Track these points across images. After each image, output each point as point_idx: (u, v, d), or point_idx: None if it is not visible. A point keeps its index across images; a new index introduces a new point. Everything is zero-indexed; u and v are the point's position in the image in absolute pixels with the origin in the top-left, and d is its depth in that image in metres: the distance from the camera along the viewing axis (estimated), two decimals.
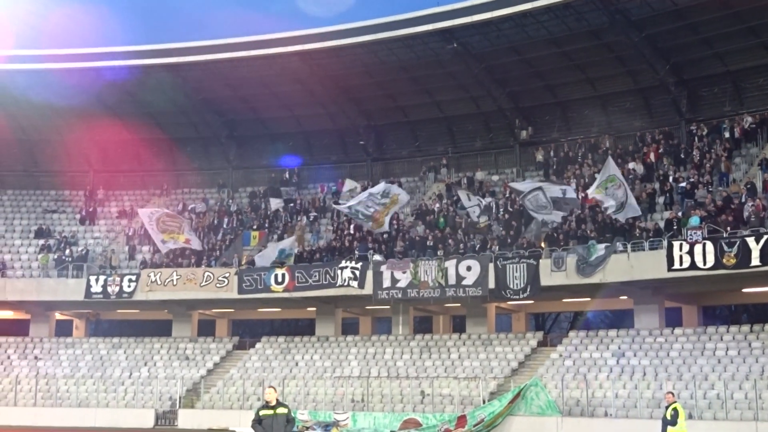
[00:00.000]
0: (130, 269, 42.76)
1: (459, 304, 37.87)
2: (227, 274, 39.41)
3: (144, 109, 48.44)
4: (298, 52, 42.97)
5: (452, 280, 35.18)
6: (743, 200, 32.76)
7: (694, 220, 31.91)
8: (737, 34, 37.17)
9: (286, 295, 38.47)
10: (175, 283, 40.00)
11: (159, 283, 40.19)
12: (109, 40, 69.74)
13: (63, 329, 45.68)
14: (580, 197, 36.92)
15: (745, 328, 32.26)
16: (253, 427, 15.81)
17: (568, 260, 33.23)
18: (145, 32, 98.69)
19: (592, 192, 33.54)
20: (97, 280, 41.02)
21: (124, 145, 50.55)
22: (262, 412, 15.78)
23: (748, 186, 33.42)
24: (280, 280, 38.23)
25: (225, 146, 49.58)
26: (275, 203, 44.90)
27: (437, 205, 41.36)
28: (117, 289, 40.65)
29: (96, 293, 40.97)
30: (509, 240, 36.56)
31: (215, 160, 50.26)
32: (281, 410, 15.78)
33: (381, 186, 38.83)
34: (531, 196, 34.78)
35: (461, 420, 31.11)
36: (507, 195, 39.92)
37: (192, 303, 41.39)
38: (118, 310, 44.79)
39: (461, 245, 37.27)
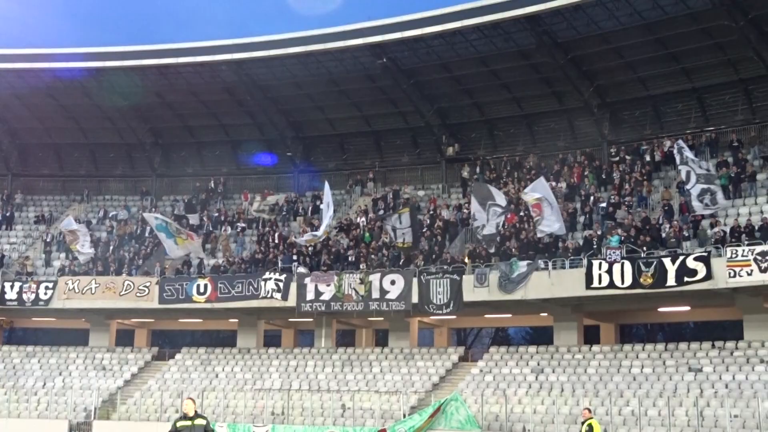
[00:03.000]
0: (47, 276, 41.76)
1: (382, 318, 37.92)
2: (148, 284, 38.81)
3: (67, 113, 47.51)
4: (228, 60, 42.74)
5: (376, 294, 35.27)
6: (661, 221, 33.61)
7: (615, 240, 32.61)
8: (658, 59, 38.19)
9: (208, 305, 38.04)
10: (93, 291, 39.23)
11: (77, 291, 39.37)
12: (57, 40, 68.42)
13: None
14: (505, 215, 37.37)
15: (660, 346, 33.03)
16: None
17: (491, 276, 33.57)
18: (137, 33, 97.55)
19: (528, 198, 33.76)
20: (12, 287, 40.02)
21: (45, 149, 49.53)
22: (179, 423, 15.77)
23: (666, 208, 34.29)
24: (202, 290, 37.81)
25: (149, 153, 48.85)
26: (192, 219, 44.31)
27: (363, 219, 41.40)
28: (33, 296, 39.69)
29: (10, 300, 39.96)
30: (433, 255, 36.78)
31: (139, 168, 49.48)
32: (199, 421, 15.76)
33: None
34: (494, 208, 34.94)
35: None
36: (431, 210, 40.17)
37: (110, 312, 40.59)
38: (34, 318, 43.62)
39: (385, 259, 37.39)
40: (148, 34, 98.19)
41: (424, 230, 38.23)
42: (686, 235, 32.37)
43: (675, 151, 33.06)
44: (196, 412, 15.98)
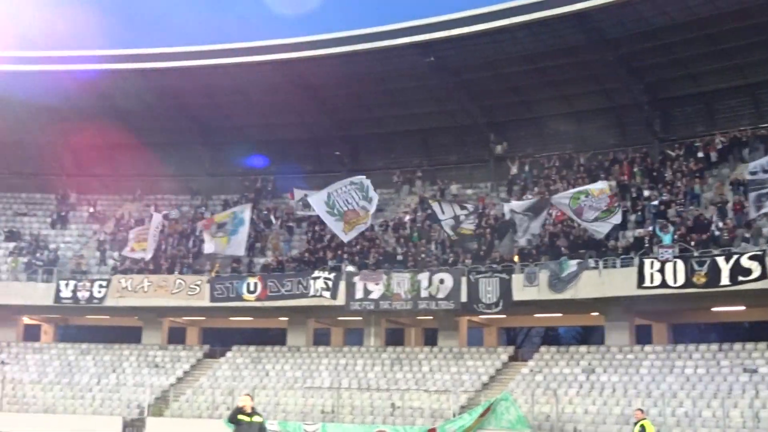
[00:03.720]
0: (101, 274, 42.44)
1: (431, 317, 37.93)
2: (199, 282, 39.29)
3: (119, 113, 48.06)
4: (276, 60, 42.94)
5: (425, 293, 35.28)
6: (713, 220, 33.16)
7: (667, 237, 32.26)
8: (710, 55, 37.69)
9: (258, 304, 38.40)
10: (146, 289, 39.82)
11: (130, 289, 39.98)
12: (84, 42, 69.53)
13: (31, 334, 45.18)
14: (553, 215, 37.16)
15: (714, 346, 32.55)
16: (230, 419, 16.43)
17: (541, 275, 33.43)
18: (113, 34, 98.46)
19: (560, 199, 33.75)
20: (67, 285, 40.71)
21: (98, 149, 50.16)
22: (239, 416, 16.33)
23: (719, 206, 33.83)
24: (252, 288, 38.18)
25: (200, 153, 49.39)
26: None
27: (411, 217, 41.42)
28: (87, 294, 40.38)
29: (65, 298, 40.67)
30: (482, 254, 36.70)
31: (189, 167, 49.95)
32: (257, 419, 16.33)
33: (363, 181, 37.88)
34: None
35: None
36: (481, 209, 40.06)
37: (163, 310, 41.14)
38: (87, 316, 44.36)
39: (435, 258, 37.42)
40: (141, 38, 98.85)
41: (477, 229, 38.02)
42: (746, 235, 31.78)
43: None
44: (252, 408, 16.36)
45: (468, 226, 36.54)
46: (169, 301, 39.73)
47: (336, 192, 37.58)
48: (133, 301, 40.13)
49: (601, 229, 33.57)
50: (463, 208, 37.51)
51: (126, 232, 44.51)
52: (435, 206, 37.88)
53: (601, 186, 34.00)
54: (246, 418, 16.20)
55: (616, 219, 33.60)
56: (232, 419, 16.51)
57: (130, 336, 43.90)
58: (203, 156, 49.44)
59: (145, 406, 36.67)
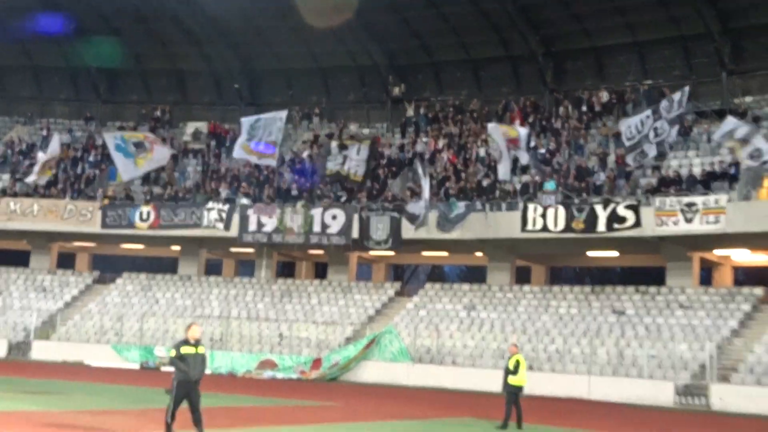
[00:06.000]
0: None
1: (322, 252, 38.75)
2: (91, 208, 39.05)
3: (12, 34, 46.65)
4: None
5: (317, 228, 36.02)
6: (595, 170, 34.82)
7: (550, 185, 33.74)
8: (603, 12, 39.10)
9: (150, 232, 38.46)
10: (35, 213, 39.36)
11: (19, 212, 39.44)
12: None
13: None
14: (445, 158, 38.18)
15: (587, 288, 34.53)
16: (173, 363, 14.39)
17: (430, 215, 34.53)
18: None
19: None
20: None
21: None
22: (184, 349, 14.26)
23: (601, 157, 35.49)
24: (144, 217, 38.21)
25: (95, 79, 48.50)
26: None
27: (307, 152, 41.94)
28: None
29: None
30: (375, 192, 37.59)
31: (84, 92, 49.05)
32: (201, 349, 14.50)
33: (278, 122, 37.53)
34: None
35: (316, 363, 32.21)
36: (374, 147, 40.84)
37: (52, 235, 40.75)
38: None
39: (329, 195, 38.12)
40: None
41: (373, 168, 38.85)
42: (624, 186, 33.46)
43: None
44: (198, 339, 14.54)
45: (354, 172, 37.32)
46: (58, 226, 39.38)
47: (265, 120, 37.29)
48: (21, 225, 39.63)
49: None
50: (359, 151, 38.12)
51: (20, 157, 43.78)
52: (333, 146, 38.49)
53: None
54: (191, 350, 14.22)
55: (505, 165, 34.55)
56: (177, 355, 14.19)
57: (17, 259, 43.32)
58: (99, 82, 48.55)
59: (32, 329, 36.58)
